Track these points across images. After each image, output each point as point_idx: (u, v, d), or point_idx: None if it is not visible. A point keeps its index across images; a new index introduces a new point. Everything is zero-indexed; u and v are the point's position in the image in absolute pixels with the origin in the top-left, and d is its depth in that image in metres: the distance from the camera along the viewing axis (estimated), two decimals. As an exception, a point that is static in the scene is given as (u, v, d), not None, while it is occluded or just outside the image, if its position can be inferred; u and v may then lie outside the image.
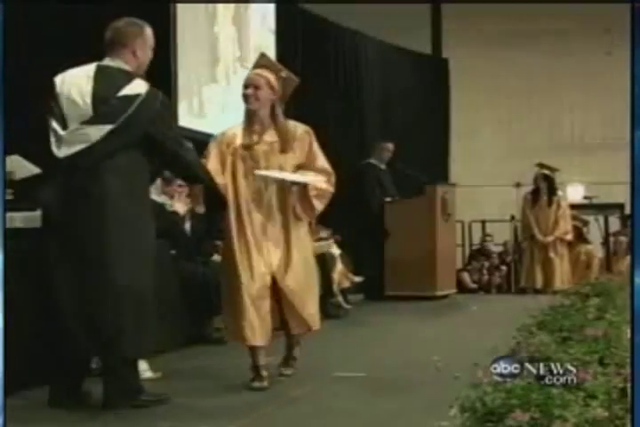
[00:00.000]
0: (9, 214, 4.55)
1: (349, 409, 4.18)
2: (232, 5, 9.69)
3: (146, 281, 4.32)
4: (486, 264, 13.37)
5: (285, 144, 4.92)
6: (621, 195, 11.34)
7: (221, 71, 9.53)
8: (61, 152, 4.28)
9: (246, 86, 4.91)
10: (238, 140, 4.96)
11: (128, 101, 4.25)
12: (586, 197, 14.11)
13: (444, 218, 10.08)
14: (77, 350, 4.30)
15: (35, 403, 4.34)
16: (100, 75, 4.33)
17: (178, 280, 6.51)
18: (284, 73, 4.98)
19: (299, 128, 5.00)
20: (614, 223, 13.54)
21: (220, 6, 9.48)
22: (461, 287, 12.37)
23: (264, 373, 4.81)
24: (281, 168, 4.92)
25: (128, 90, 4.28)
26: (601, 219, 13.38)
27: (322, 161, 5.01)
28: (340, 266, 8.84)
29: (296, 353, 5.16)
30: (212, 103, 9.37)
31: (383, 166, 10.46)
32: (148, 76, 4.54)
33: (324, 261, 8.52)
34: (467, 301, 10.18)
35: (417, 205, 9.96)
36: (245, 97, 4.91)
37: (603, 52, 13.90)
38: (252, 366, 4.84)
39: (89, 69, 4.37)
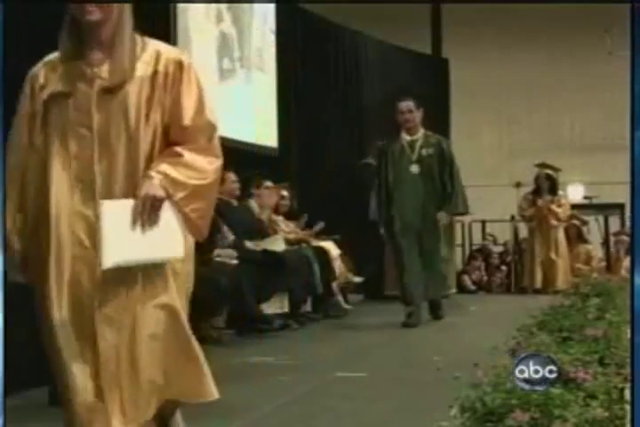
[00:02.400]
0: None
1: (349, 409, 4.18)
2: (232, 5, 9.69)
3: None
4: (486, 264, 13.37)
5: (124, 83, 2.84)
6: (621, 195, 11.33)
7: (221, 71, 9.53)
8: None
9: None
10: (56, 80, 2.91)
11: None
12: (586, 197, 14.13)
13: (444, 218, 10.05)
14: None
15: (35, 403, 4.34)
16: None
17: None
18: None
19: (164, 56, 2.92)
20: (614, 223, 13.54)
21: (221, 6, 9.48)
22: (462, 288, 12.41)
23: None
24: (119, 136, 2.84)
25: None
26: (601, 219, 13.39)
27: (197, 120, 2.96)
28: (339, 266, 8.84)
29: None
30: (212, 103, 9.35)
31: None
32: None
33: (324, 260, 8.54)
34: (467, 301, 10.19)
35: (417, 205, 9.92)
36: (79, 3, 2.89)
37: (603, 52, 13.89)
38: None
39: None
